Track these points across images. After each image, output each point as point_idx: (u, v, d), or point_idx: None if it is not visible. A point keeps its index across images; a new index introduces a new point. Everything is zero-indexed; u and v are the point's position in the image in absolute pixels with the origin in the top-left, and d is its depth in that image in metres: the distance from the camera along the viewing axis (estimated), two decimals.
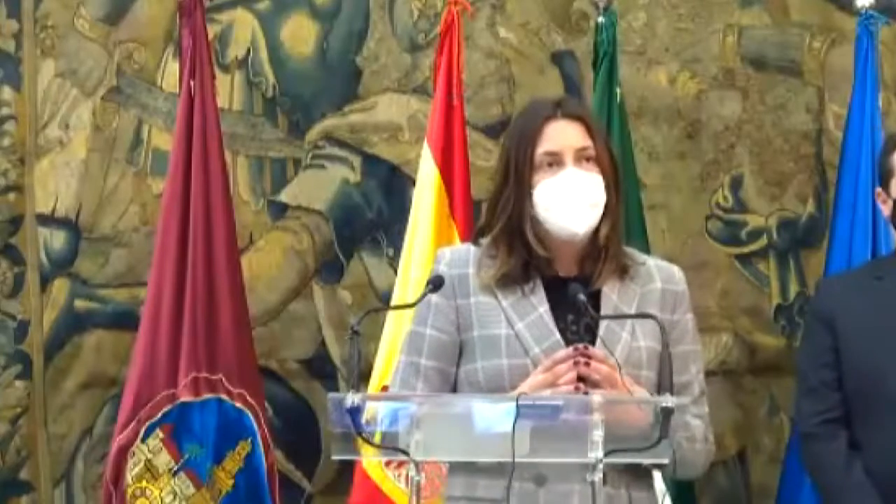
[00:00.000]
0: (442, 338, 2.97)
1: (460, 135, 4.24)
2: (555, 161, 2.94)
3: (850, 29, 4.57)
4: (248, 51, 4.76)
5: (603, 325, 2.91)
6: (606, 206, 2.94)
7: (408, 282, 4.10)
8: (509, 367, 2.90)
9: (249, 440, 4.24)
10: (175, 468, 4.17)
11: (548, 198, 2.92)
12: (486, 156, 4.63)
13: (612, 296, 2.95)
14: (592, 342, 2.89)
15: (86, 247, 4.69)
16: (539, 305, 2.93)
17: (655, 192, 4.75)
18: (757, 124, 4.83)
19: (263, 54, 4.76)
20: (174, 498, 4.17)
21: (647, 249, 4.19)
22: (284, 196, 4.76)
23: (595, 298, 2.93)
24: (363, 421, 2.69)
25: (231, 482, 4.22)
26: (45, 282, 4.68)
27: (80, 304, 4.69)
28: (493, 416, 2.68)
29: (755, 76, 4.83)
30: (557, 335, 2.90)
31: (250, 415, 4.23)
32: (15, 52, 4.70)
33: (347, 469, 4.14)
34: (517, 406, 2.65)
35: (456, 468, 2.95)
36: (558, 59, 4.81)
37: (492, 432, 2.67)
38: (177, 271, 4.20)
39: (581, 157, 2.94)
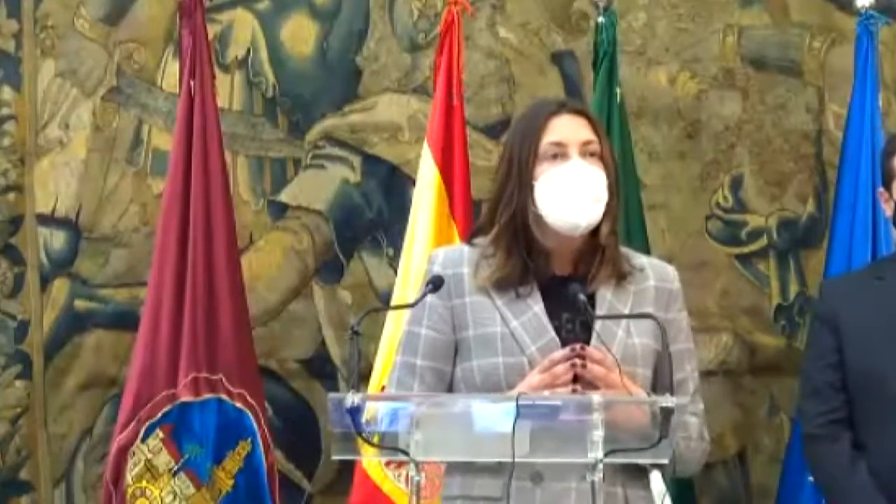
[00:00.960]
0: (438, 337, 2.97)
1: (460, 135, 4.23)
2: (560, 152, 2.92)
3: (850, 29, 4.57)
4: (248, 51, 4.76)
5: (598, 322, 2.91)
6: (607, 207, 2.93)
7: (408, 282, 4.10)
8: (505, 365, 2.90)
9: (249, 440, 4.24)
10: (175, 468, 4.17)
11: (550, 189, 2.90)
12: (486, 156, 4.63)
13: (607, 294, 2.95)
14: (587, 340, 2.89)
15: (86, 247, 4.69)
16: (534, 304, 2.93)
17: (655, 192, 4.75)
18: (757, 124, 4.83)
19: (263, 54, 4.76)
20: (174, 498, 4.17)
21: (647, 249, 4.20)
22: (284, 196, 4.76)
23: (590, 297, 2.92)
24: (363, 421, 2.69)
25: (231, 482, 4.22)
26: (45, 282, 4.68)
27: (80, 304, 4.69)
28: (492, 416, 2.68)
29: (755, 76, 4.83)
30: (553, 333, 2.90)
31: (250, 415, 4.23)
32: (15, 52, 4.70)
33: (347, 469, 4.14)
34: (517, 406, 2.65)
35: (452, 468, 2.95)
36: (558, 59, 4.81)
37: (491, 432, 2.67)
38: (177, 271, 4.20)
39: (586, 150, 2.93)
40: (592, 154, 2.94)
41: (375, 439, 2.71)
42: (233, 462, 4.22)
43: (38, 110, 4.70)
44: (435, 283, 2.92)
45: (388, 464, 3.94)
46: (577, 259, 2.97)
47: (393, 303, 4.16)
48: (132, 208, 4.70)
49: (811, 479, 3.78)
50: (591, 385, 2.83)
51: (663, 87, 4.81)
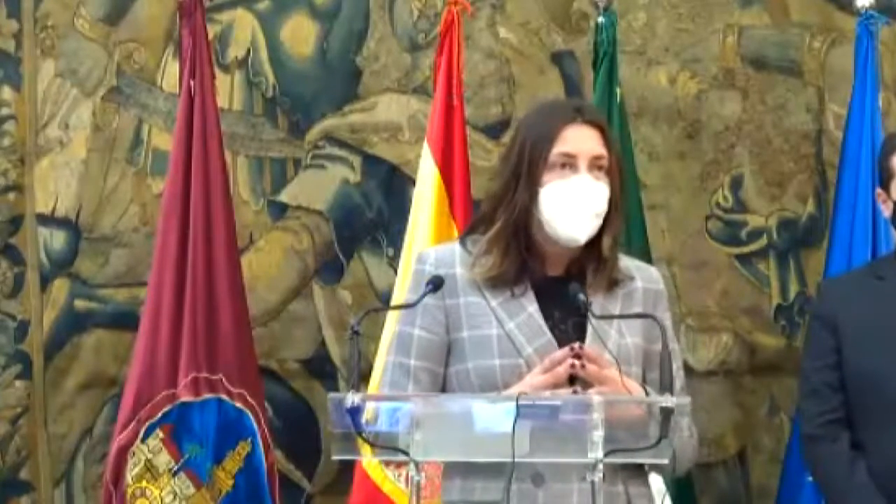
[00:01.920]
0: (431, 338, 2.96)
1: (460, 135, 4.23)
2: (569, 164, 2.93)
3: (850, 29, 4.57)
4: (248, 51, 4.76)
5: (592, 323, 2.91)
6: (610, 218, 2.94)
7: (407, 282, 4.10)
8: (501, 367, 2.89)
9: (249, 440, 4.24)
10: (175, 468, 4.17)
11: (555, 200, 2.91)
12: (486, 156, 4.64)
13: (598, 295, 2.95)
14: (581, 339, 2.89)
15: (86, 247, 4.69)
16: (528, 304, 2.93)
17: (655, 192, 4.75)
18: (757, 124, 4.83)
19: (263, 54, 4.76)
20: (174, 498, 4.17)
21: (647, 249, 4.22)
22: (284, 196, 4.76)
23: None
24: (363, 421, 2.69)
25: (231, 482, 4.22)
26: (45, 282, 4.68)
27: (80, 304, 4.69)
28: (492, 416, 2.68)
29: (755, 76, 4.83)
30: (549, 335, 2.90)
31: (250, 415, 4.23)
32: (15, 52, 4.70)
33: (347, 469, 4.14)
34: (517, 406, 2.65)
35: (451, 471, 2.93)
36: (558, 59, 4.81)
37: (492, 432, 2.67)
38: (177, 271, 4.20)
39: (595, 165, 2.94)
40: (600, 168, 2.95)
41: (375, 439, 2.71)
42: (233, 462, 4.22)
43: (38, 110, 4.70)
44: (435, 284, 2.91)
45: (388, 464, 3.94)
46: (569, 261, 2.98)
47: (393, 303, 4.16)
48: (132, 208, 4.70)
49: (811, 479, 3.78)
50: (589, 385, 2.83)
51: (663, 87, 4.81)
